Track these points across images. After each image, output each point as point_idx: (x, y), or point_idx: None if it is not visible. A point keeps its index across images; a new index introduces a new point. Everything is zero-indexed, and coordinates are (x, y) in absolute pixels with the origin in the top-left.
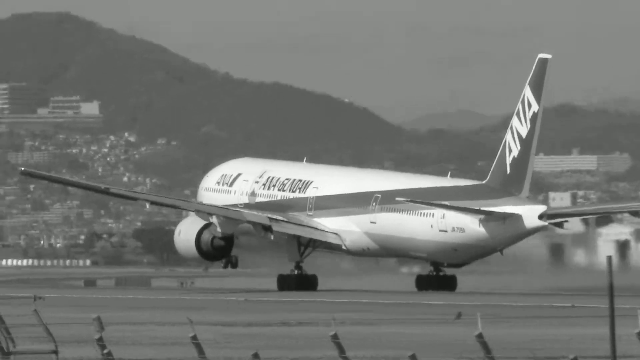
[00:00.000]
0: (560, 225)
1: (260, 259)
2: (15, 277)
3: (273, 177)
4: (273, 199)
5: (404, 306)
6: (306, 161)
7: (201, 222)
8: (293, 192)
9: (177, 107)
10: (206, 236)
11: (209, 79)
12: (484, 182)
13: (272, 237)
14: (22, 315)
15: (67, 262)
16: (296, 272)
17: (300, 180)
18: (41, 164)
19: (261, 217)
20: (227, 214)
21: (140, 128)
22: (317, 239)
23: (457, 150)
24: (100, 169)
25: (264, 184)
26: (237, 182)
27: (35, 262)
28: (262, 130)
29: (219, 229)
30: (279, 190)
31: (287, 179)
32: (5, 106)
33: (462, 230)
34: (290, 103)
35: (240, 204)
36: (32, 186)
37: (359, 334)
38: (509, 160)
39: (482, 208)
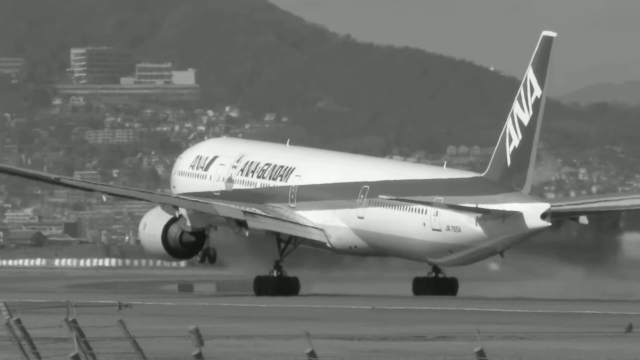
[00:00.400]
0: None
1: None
2: (96, 280)
3: (252, 162)
4: (251, 187)
5: (558, 316)
6: (289, 144)
7: (169, 215)
8: (274, 179)
9: (288, 77)
10: (174, 230)
11: (327, 43)
12: (482, 174)
13: (247, 234)
14: (105, 326)
15: (158, 262)
16: (275, 273)
17: (281, 167)
18: (125, 144)
19: (235, 210)
20: (196, 207)
21: (244, 102)
22: (299, 235)
23: (624, 129)
24: None
25: (242, 170)
26: (213, 166)
27: (120, 262)
28: (391, 106)
29: (188, 223)
30: (258, 177)
31: (267, 165)
32: (82, 75)
33: (457, 229)
34: (424, 72)
35: (216, 191)
36: (115, 171)
37: (513, 350)
38: (509, 150)
39: (478, 205)
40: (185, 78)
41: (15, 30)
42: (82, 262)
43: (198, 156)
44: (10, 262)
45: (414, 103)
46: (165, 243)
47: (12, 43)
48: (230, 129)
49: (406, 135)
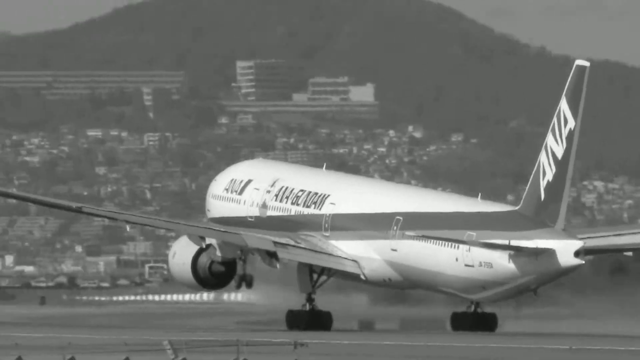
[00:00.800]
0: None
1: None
2: (264, 315)
3: (286, 187)
4: (285, 214)
5: None
6: (325, 168)
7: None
8: (307, 207)
9: (477, 93)
10: (203, 260)
11: (519, 55)
12: (517, 208)
13: (278, 266)
14: None
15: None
16: (308, 306)
17: (315, 194)
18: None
19: (265, 241)
20: (224, 238)
21: (428, 121)
22: (332, 267)
23: None
24: (376, 175)
25: (276, 195)
26: (247, 190)
27: None
28: (590, 126)
29: (218, 253)
30: (292, 203)
31: (301, 191)
32: (251, 91)
33: (489, 265)
34: (627, 88)
35: (251, 217)
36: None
37: None
38: (543, 184)
39: (511, 241)
40: (363, 94)
41: (176, 41)
42: (252, 297)
43: (232, 179)
44: (175, 297)
45: (615, 122)
46: (195, 273)
47: (172, 55)
48: (414, 150)
49: (607, 159)
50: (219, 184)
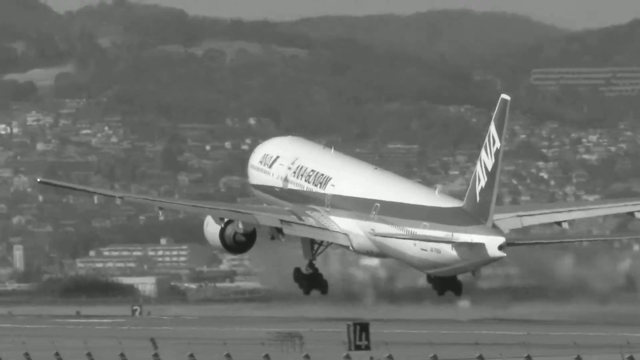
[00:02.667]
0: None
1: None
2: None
3: (302, 167)
4: (300, 189)
5: None
6: (334, 152)
7: None
8: (315, 185)
9: None
10: (229, 231)
11: None
12: (462, 204)
13: (283, 239)
14: None
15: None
16: (309, 270)
17: (322, 175)
18: None
19: (274, 219)
20: (240, 218)
21: None
22: (328, 240)
23: None
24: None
25: (295, 172)
26: (275, 165)
27: None
28: None
29: (240, 226)
30: (305, 181)
31: (312, 171)
32: None
33: (438, 251)
34: None
35: (277, 187)
36: None
37: None
38: (478, 189)
39: (453, 235)
40: None
41: None
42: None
43: (265, 154)
44: None
45: None
46: (223, 240)
47: None
48: None
49: None
50: (256, 157)
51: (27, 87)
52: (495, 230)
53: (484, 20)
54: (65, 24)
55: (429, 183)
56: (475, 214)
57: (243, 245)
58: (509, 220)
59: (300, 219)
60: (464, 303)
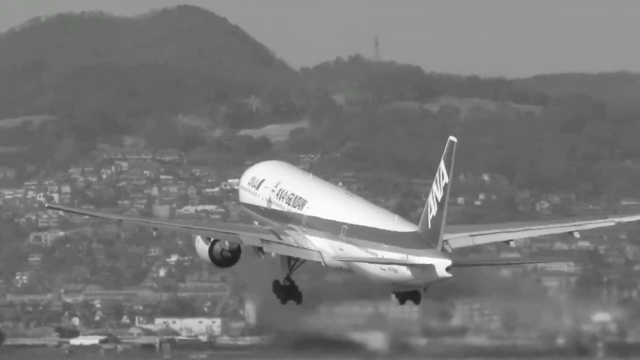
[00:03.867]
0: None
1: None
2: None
3: (283, 190)
4: (281, 209)
5: None
6: (312, 177)
7: None
8: (294, 207)
9: None
10: (217, 248)
11: None
12: (417, 229)
13: (262, 257)
14: None
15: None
16: (286, 282)
17: (300, 198)
18: None
19: (255, 239)
20: (226, 238)
21: None
22: (303, 257)
23: None
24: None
25: (277, 194)
26: (261, 188)
27: None
28: None
29: (226, 243)
30: (285, 203)
31: (292, 194)
32: None
33: (395, 271)
34: None
35: (262, 207)
36: None
37: None
38: (430, 217)
39: (408, 257)
40: None
41: None
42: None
43: (253, 177)
44: None
45: None
46: (211, 256)
47: None
48: None
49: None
50: (245, 179)
51: (261, 143)
52: (444, 253)
53: None
54: (301, 80)
55: None
56: (426, 240)
57: (229, 261)
58: (461, 239)
59: (279, 238)
60: None
